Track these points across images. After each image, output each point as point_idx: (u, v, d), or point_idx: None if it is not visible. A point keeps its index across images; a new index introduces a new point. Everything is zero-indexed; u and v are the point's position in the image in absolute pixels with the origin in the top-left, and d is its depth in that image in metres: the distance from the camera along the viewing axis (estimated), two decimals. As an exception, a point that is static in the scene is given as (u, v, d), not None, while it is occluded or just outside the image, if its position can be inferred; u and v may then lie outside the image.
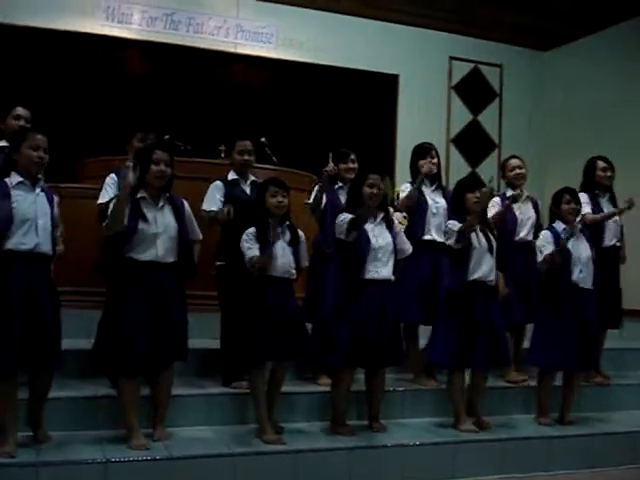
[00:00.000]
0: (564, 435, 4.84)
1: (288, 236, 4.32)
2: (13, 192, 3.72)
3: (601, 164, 5.67)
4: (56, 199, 3.97)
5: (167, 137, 6.03)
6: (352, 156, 5.14)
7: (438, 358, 4.77)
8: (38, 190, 3.83)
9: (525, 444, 4.68)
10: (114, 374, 4.10)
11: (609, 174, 5.65)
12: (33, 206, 3.75)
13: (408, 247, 4.62)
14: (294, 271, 4.31)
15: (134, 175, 3.89)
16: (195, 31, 8.78)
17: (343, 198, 4.95)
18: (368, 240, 4.38)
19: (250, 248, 4.20)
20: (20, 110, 4.73)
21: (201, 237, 4.32)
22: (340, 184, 5.10)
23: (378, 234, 4.44)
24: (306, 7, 9.02)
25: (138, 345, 3.88)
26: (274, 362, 4.33)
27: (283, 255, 4.25)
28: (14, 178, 3.77)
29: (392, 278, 4.45)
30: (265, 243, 4.17)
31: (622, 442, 4.93)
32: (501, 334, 4.72)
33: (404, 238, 4.61)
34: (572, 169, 5.91)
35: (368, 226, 4.43)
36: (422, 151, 5.31)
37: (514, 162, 5.66)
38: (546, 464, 4.67)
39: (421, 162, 5.24)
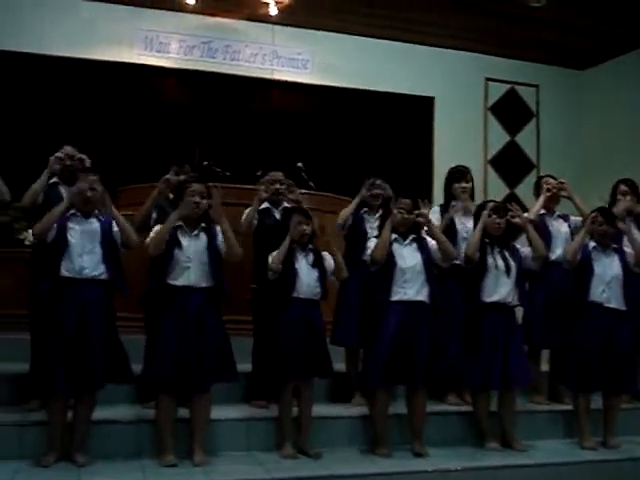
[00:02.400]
0: (604, 460, 4.75)
1: (312, 258, 4.47)
2: (67, 223, 4.06)
3: (622, 188, 5.58)
4: (116, 228, 4.19)
5: (206, 163, 6.15)
6: (378, 182, 5.15)
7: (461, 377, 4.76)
8: (92, 219, 4.14)
9: (565, 469, 4.60)
10: (152, 392, 4.20)
11: (628, 198, 5.50)
12: (80, 234, 4.07)
13: (451, 251, 4.64)
14: (319, 290, 4.45)
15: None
16: (232, 59, 8.91)
17: (369, 224, 4.99)
18: (395, 262, 4.47)
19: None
20: (66, 149, 4.80)
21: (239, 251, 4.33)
22: (365, 209, 5.12)
23: (407, 255, 4.54)
24: (341, 32, 9.08)
25: (172, 364, 4.01)
26: (298, 381, 4.39)
27: (308, 276, 4.41)
28: (71, 211, 4.11)
29: (424, 299, 4.49)
30: (288, 265, 4.36)
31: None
32: (519, 354, 4.69)
33: (448, 245, 4.63)
34: (609, 189, 5.82)
35: (397, 247, 4.54)
36: (457, 174, 5.31)
37: (553, 183, 5.58)
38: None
39: (455, 185, 5.24)
